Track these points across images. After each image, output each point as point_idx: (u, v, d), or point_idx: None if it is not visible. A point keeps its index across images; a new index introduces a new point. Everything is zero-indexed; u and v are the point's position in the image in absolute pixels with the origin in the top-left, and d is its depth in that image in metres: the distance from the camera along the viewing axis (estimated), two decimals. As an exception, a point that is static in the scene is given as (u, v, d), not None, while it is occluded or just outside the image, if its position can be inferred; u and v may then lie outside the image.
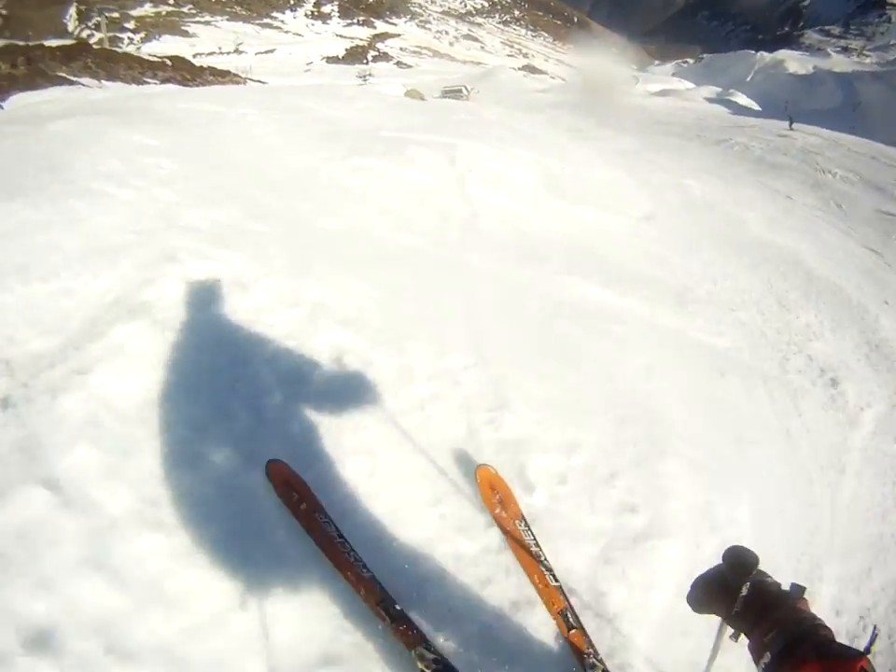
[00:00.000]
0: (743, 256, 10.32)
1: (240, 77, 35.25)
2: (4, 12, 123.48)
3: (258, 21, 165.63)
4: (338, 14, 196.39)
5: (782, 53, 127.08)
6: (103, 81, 23.27)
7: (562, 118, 31.45)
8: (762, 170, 19.51)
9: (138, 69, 27.03)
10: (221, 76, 32.17)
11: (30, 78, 21.53)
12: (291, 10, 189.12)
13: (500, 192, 9.22)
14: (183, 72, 29.33)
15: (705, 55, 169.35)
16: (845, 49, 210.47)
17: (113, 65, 26.00)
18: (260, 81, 38.48)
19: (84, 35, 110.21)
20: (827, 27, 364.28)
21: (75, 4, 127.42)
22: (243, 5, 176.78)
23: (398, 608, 2.48)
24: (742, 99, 74.01)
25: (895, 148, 30.59)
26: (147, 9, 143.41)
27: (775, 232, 11.99)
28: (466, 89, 49.10)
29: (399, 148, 9.19)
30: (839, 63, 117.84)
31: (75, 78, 22.93)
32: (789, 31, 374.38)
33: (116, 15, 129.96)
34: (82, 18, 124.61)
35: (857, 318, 8.74)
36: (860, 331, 8.35)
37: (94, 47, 29.29)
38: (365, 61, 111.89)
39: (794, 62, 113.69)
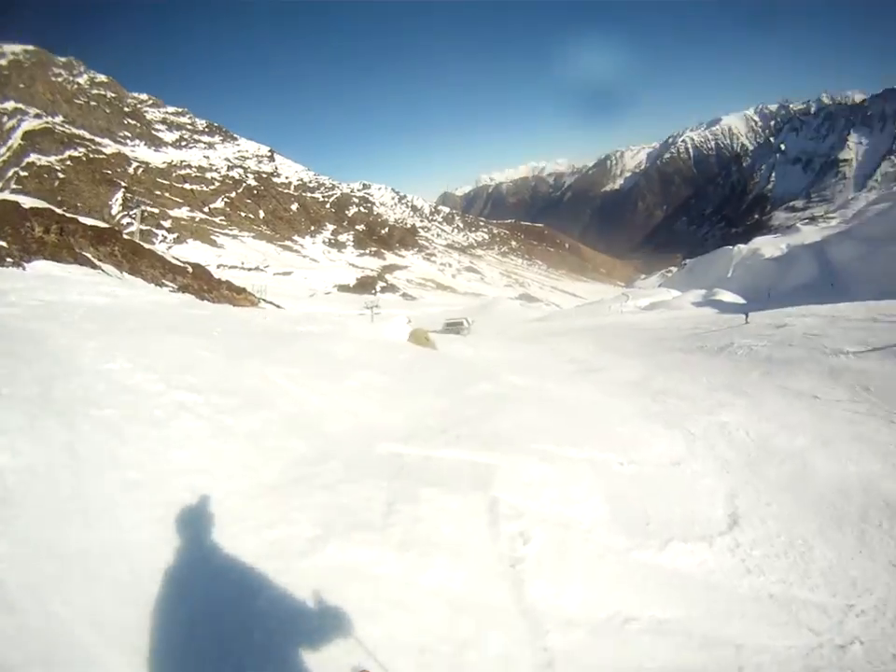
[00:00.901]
0: (838, 522, 8.06)
1: (254, 296, 35.79)
2: (61, 175, 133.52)
3: (279, 243, 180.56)
4: (353, 243, 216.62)
5: (756, 241, 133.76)
6: (124, 273, 23.72)
7: (562, 345, 32.06)
8: (776, 370, 19.36)
9: (160, 269, 27.40)
10: (237, 292, 32.55)
11: (58, 249, 22.20)
12: (311, 236, 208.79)
13: (575, 573, 5.70)
14: (201, 282, 29.74)
15: (686, 261, 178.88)
16: (812, 219, 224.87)
17: (138, 259, 26.56)
18: (274, 304, 39.66)
19: (124, 221, 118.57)
20: (791, 203, 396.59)
21: (123, 190, 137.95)
22: (269, 225, 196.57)
23: None
24: (727, 296, 76.65)
25: (886, 302, 31.41)
26: (185, 212, 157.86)
27: (838, 460, 10.26)
28: (467, 321, 50.58)
29: (409, 499, 6.12)
30: (809, 234, 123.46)
31: (99, 262, 23.57)
32: (759, 217, 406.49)
33: (156, 211, 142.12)
34: (126, 205, 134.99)
35: None
36: None
37: (125, 237, 29.96)
38: (374, 291, 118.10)
39: (769, 246, 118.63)
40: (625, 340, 33.98)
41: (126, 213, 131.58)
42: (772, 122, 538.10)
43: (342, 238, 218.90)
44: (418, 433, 8.60)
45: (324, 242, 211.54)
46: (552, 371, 20.57)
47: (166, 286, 25.63)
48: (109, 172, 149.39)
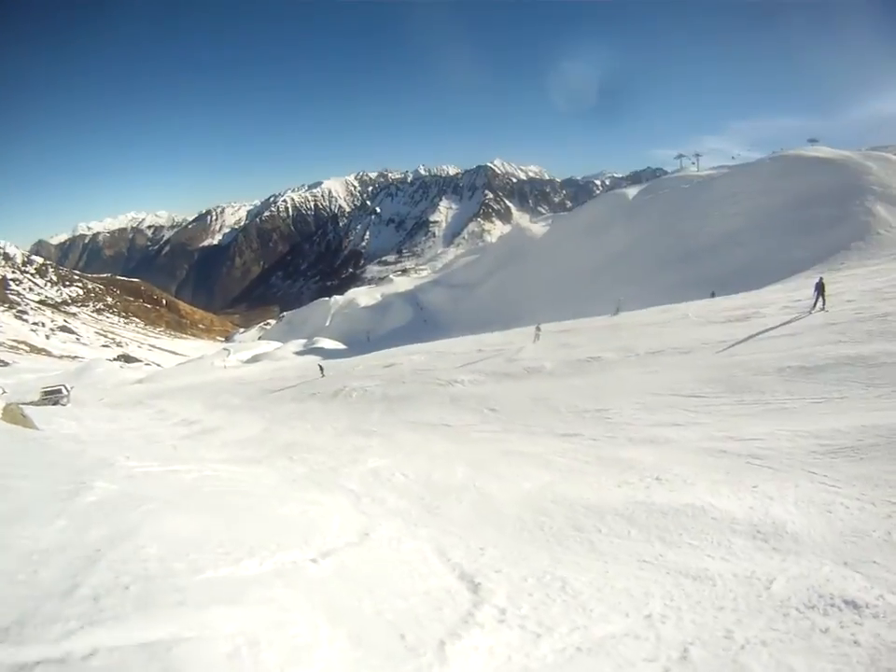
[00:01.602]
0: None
1: None
2: None
3: None
4: None
5: (352, 292, 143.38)
6: None
7: (170, 407, 29.59)
8: (397, 407, 19.46)
9: None
10: None
11: None
12: None
13: None
14: None
15: (284, 313, 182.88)
16: (404, 271, 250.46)
17: None
18: None
19: None
20: (384, 258, 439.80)
21: None
22: None
23: None
24: (328, 343, 78.98)
25: (484, 334, 34.54)
26: None
27: (510, 480, 10.04)
28: (66, 388, 43.59)
29: None
30: (402, 283, 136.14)
31: None
32: (353, 271, 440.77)
33: None
34: None
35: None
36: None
37: None
38: None
39: (364, 296, 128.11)
40: (233, 395, 32.03)
41: None
42: (370, 188, 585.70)
43: None
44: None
45: None
46: (166, 439, 17.88)
47: None
48: None
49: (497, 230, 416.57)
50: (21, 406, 19.02)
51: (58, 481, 7.77)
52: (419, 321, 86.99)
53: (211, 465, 10.93)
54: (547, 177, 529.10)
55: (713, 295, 37.40)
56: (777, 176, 67.48)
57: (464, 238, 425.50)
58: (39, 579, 4.13)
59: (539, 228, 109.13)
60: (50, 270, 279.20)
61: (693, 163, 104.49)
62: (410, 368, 25.96)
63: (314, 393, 26.17)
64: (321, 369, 32.81)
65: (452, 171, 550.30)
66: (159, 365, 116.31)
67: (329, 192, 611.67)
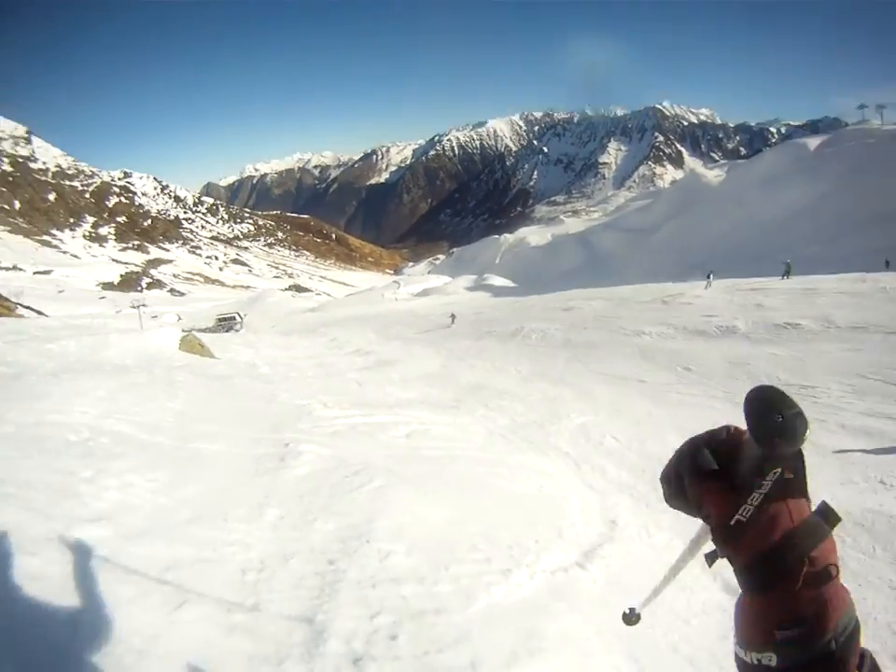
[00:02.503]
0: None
1: (10, 302, 32.41)
2: None
3: (37, 238, 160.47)
4: (114, 237, 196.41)
5: (522, 231, 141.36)
6: None
7: (342, 335, 29.62)
8: (582, 355, 17.99)
9: None
10: None
11: None
12: (71, 229, 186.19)
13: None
14: None
15: (454, 249, 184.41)
16: (574, 212, 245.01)
17: None
18: (34, 310, 35.49)
19: None
20: (552, 198, 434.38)
21: None
22: (25, 217, 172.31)
23: None
24: (498, 280, 78.69)
25: (668, 284, 32.06)
26: None
27: None
28: (239, 316, 46.50)
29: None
30: (573, 225, 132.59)
31: None
32: (521, 210, 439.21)
33: None
34: None
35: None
36: None
37: None
38: (139, 288, 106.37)
39: (535, 235, 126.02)
40: (406, 327, 32.03)
41: None
42: (536, 128, 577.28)
43: (102, 231, 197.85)
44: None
45: (84, 236, 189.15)
46: (344, 370, 17.45)
47: None
48: None
49: (668, 174, 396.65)
50: (197, 335, 19.37)
51: (256, 442, 7.18)
52: (590, 264, 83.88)
53: (411, 413, 10.26)
54: (718, 121, 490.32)
55: (887, 265, 32.37)
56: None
57: (634, 181, 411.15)
58: (260, 626, 3.03)
59: (713, 175, 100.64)
60: (221, 209, 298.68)
61: (879, 116, 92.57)
62: (591, 314, 24.46)
63: (490, 331, 25.32)
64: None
65: (619, 112, 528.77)
66: (329, 295, 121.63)
67: (495, 132, 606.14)
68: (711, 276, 31.13)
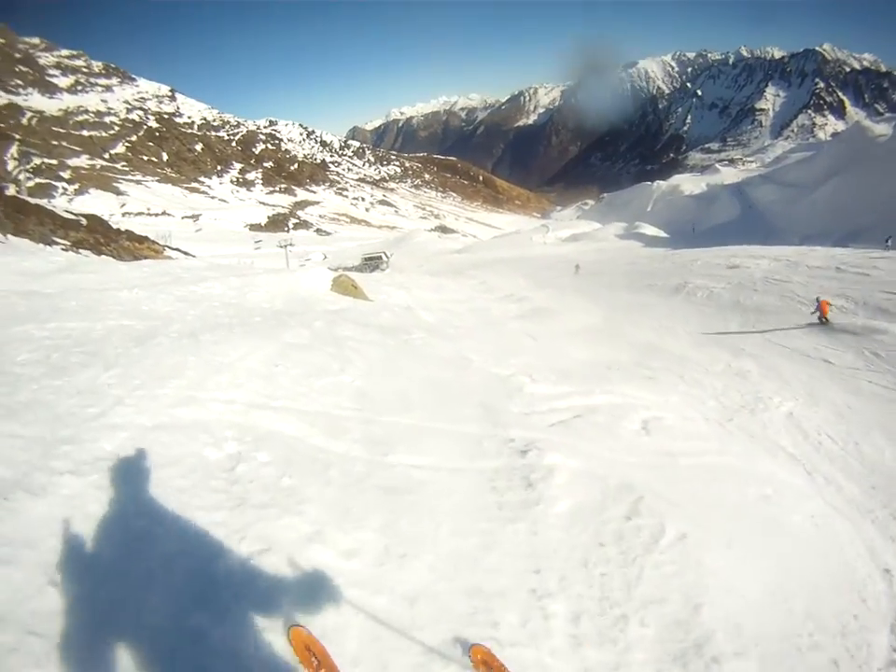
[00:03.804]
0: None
1: (158, 245, 33.27)
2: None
3: (186, 185, 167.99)
4: (261, 181, 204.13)
5: (676, 178, 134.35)
6: (8, 236, 20.17)
7: (491, 279, 29.52)
8: (755, 321, 17.15)
9: (50, 226, 24.31)
10: (139, 241, 29.85)
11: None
12: (218, 176, 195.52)
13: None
14: (97, 234, 26.80)
15: (605, 194, 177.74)
16: (731, 161, 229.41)
17: (23, 218, 23.38)
18: (182, 251, 36.60)
19: (21, 177, 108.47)
20: (707, 145, 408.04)
21: (16, 143, 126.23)
22: (173, 167, 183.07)
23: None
24: (650, 230, 75.62)
25: (841, 250, 29.80)
26: (84, 160, 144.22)
27: None
28: (385, 255, 47.70)
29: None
30: (728, 175, 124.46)
31: (-26, 227, 19.71)
32: (674, 156, 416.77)
33: (54, 162, 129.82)
34: (23, 158, 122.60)
35: None
36: None
37: (7, 194, 27.16)
38: (286, 228, 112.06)
39: (689, 183, 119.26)
40: (558, 274, 31.51)
41: (22, 168, 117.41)
42: (689, 69, 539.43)
43: (250, 176, 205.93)
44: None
45: (232, 181, 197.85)
46: (501, 318, 17.58)
47: (58, 243, 22.11)
48: (1, 125, 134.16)
49: (829, 125, 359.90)
50: (349, 276, 18.74)
51: (477, 445, 5.85)
52: (747, 219, 78.46)
53: (618, 388, 9.30)
54: (884, 69, 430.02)
55: None
56: None
57: (792, 131, 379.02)
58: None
59: (881, 129, 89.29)
60: (367, 151, 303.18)
61: None
62: (759, 274, 23.04)
63: (650, 284, 24.71)
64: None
65: (777, 54, 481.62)
66: (475, 237, 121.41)
67: (646, 73, 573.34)
68: (890, 241, 28.96)
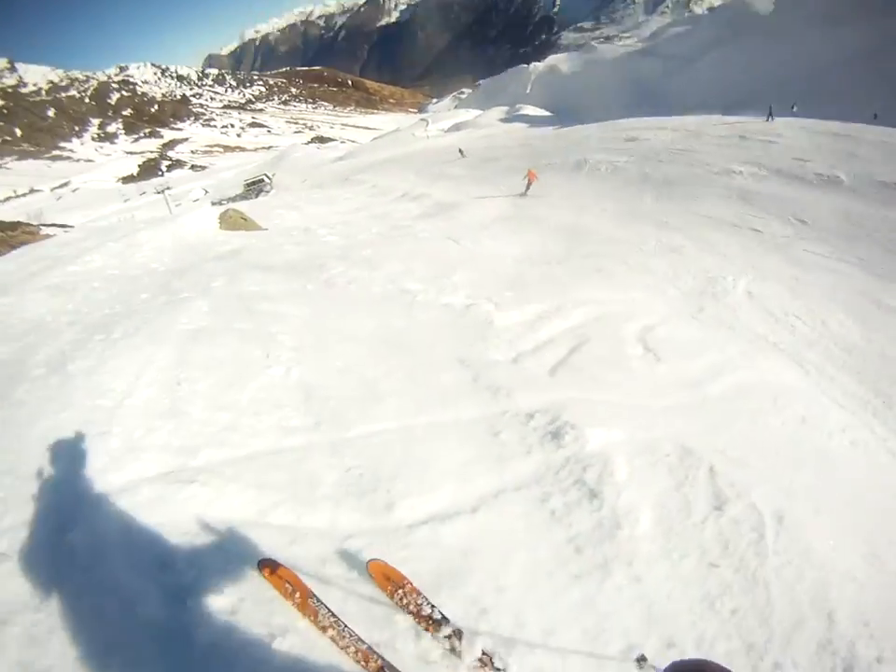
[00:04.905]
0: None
1: (33, 226, 32.00)
2: None
3: (47, 155, 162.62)
4: (123, 131, 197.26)
5: (553, 58, 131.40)
6: None
7: (380, 181, 28.32)
8: (669, 193, 16.56)
9: None
10: (11, 229, 27.99)
11: None
12: (78, 137, 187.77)
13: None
14: None
15: (481, 81, 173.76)
16: (607, 38, 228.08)
17: None
18: (59, 225, 35.37)
19: None
20: (579, 24, 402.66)
21: None
22: (30, 140, 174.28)
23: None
24: (532, 110, 74.75)
25: (743, 117, 29.16)
26: None
27: None
28: (268, 176, 45.21)
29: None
30: (607, 51, 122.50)
31: None
32: (546, 38, 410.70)
33: None
34: None
35: None
36: None
37: None
38: (160, 172, 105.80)
39: (566, 63, 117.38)
40: (449, 165, 29.92)
41: None
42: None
43: (110, 129, 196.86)
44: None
45: (93, 138, 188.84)
46: (404, 219, 16.45)
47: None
48: None
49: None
50: (236, 209, 17.66)
51: (485, 430, 4.46)
52: (631, 94, 78.48)
53: (581, 294, 8.42)
54: None
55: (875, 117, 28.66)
56: None
57: (668, 6, 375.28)
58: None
59: (763, 4, 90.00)
60: (227, 77, 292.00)
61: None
62: (661, 146, 22.35)
63: (548, 164, 23.42)
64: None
65: None
66: (354, 141, 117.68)
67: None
68: (795, 107, 29.14)
